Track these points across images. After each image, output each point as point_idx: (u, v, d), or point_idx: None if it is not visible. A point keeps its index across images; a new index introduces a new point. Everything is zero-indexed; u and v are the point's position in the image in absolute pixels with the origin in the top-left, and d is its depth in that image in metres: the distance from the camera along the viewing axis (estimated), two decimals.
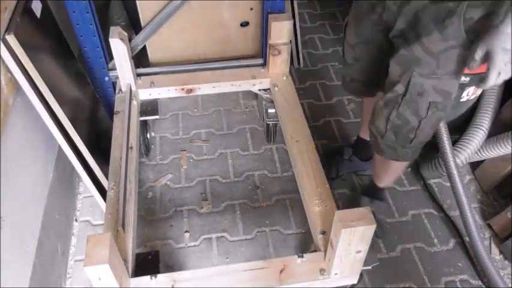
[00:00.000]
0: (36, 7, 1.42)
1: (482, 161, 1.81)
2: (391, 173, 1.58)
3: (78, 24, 1.57)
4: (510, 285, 1.55)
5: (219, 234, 1.69)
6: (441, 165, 1.72)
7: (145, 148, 1.91)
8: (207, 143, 2.03)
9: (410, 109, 1.18)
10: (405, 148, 1.30)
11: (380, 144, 1.34)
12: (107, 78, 1.74)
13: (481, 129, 1.65)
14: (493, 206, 1.79)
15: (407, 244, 1.68)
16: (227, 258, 1.62)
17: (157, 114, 1.71)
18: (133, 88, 1.69)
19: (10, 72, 1.30)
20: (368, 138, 1.49)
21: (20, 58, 1.28)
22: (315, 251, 1.25)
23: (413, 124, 1.22)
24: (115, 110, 1.61)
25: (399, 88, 1.17)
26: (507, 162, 1.70)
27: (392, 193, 1.84)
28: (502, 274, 1.55)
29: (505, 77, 1.01)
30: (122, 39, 1.54)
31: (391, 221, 1.75)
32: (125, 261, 1.17)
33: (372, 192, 1.70)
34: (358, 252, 1.11)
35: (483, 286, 1.56)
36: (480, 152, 1.68)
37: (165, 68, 1.79)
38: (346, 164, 1.86)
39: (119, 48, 1.56)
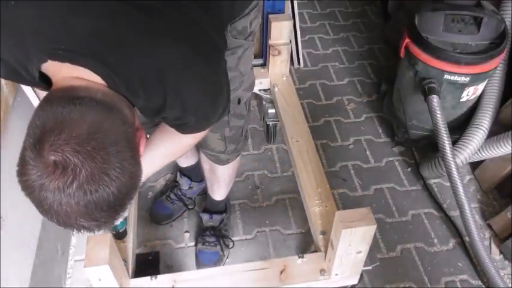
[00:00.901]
0: None
1: (482, 161, 1.81)
2: (234, 173, 1.54)
3: None
4: (510, 285, 1.55)
5: None
6: (441, 165, 1.72)
7: None
8: None
9: (237, 117, 1.26)
10: (240, 142, 1.36)
11: (222, 159, 1.37)
12: None
13: (481, 129, 1.64)
14: (493, 206, 1.79)
15: (407, 244, 1.67)
16: (227, 258, 1.62)
17: None
18: None
19: None
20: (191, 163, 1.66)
21: None
22: (315, 251, 1.26)
23: (242, 124, 1.31)
24: None
25: None
26: (507, 162, 1.70)
27: (392, 193, 1.84)
28: (502, 274, 1.55)
29: None
30: None
31: (391, 221, 1.75)
32: (125, 261, 1.17)
33: (214, 208, 1.65)
34: (359, 252, 1.11)
35: (483, 286, 1.56)
36: (480, 152, 1.68)
37: None
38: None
39: None
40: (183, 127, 0.93)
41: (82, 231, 0.71)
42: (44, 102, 0.70)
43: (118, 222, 1.14)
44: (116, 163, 0.67)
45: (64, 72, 0.73)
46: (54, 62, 0.72)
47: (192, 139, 1.06)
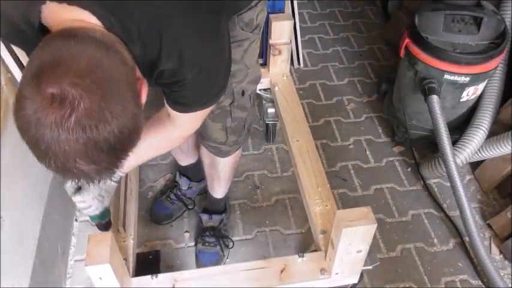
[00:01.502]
0: None
1: (482, 161, 1.81)
2: (234, 168, 1.52)
3: None
4: (510, 285, 1.55)
5: None
6: (441, 165, 1.72)
7: None
8: None
9: (240, 109, 1.26)
10: (242, 135, 1.36)
11: (223, 150, 1.37)
12: None
13: (481, 129, 1.65)
14: (493, 206, 1.79)
15: (407, 244, 1.68)
16: (227, 258, 1.62)
17: None
18: None
19: (10, 72, 1.30)
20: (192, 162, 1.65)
21: (20, 58, 1.28)
22: (316, 250, 1.25)
23: (245, 117, 1.31)
24: None
25: (225, 101, 1.21)
26: (507, 162, 1.70)
27: (392, 193, 1.84)
28: (502, 274, 1.55)
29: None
30: None
31: (391, 221, 1.75)
32: (126, 260, 1.17)
33: (213, 208, 1.65)
34: (359, 251, 1.11)
35: (483, 286, 1.56)
36: (480, 152, 1.68)
37: None
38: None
39: None
40: (178, 91, 0.88)
41: (81, 179, 0.68)
42: (43, 42, 0.68)
43: (117, 178, 1.11)
44: (117, 99, 0.64)
45: (63, 15, 0.72)
46: (53, 3, 0.72)
47: (181, 132, 1.05)
